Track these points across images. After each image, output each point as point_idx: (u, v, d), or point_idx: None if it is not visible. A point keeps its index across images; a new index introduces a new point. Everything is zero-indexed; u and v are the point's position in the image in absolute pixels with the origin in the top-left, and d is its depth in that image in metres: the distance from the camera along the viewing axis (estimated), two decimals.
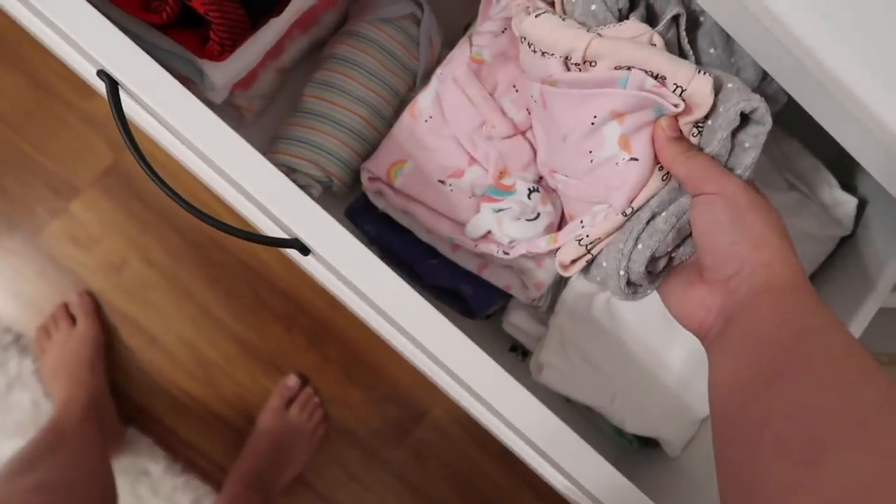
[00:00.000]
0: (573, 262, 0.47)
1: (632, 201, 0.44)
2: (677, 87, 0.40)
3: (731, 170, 0.41)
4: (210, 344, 1.06)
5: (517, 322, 0.61)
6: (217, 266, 1.05)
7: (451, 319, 0.45)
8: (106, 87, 0.41)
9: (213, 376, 1.07)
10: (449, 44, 0.61)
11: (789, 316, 0.36)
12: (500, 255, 0.53)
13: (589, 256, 0.46)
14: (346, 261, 0.42)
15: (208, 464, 1.06)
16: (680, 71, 0.40)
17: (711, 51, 0.46)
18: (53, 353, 1.00)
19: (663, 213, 0.43)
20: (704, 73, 0.39)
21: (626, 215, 0.44)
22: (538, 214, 0.52)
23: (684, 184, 0.42)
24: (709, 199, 0.39)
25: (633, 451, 0.67)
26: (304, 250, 0.45)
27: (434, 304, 0.44)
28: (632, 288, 0.45)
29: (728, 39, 0.46)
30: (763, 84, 0.48)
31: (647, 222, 0.43)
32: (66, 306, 1.02)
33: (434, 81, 0.57)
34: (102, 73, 0.41)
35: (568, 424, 0.46)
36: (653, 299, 0.59)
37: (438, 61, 0.59)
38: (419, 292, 0.44)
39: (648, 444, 0.65)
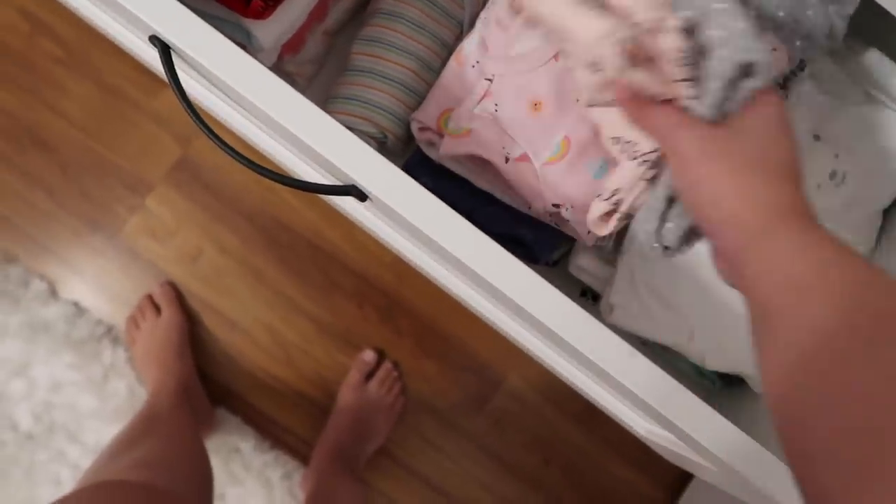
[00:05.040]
0: (603, 218, 0.48)
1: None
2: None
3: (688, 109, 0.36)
4: (287, 325, 1.09)
5: (584, 265, 0.59)
6: (286, 248, 1.08)
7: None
8: (158, 52, 0.42)
9: (292, 356, 1.09)
10: None
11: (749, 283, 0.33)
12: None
13: (618, 213, 0.46)
14: (403, 201, 0.42)
15: (295, 440, 1.09)
16: None
17: None
18: (143, 342, 1.05)
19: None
20: None
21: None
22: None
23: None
24: (668, 164, 0.37)
25: (717, 392, 0.65)
26: (362, 196, 0.45)
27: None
28: (670, 252, 0.44)
29: None
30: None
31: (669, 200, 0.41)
32: (150, 297, 1.07)
33: (478, 25, 0.56)
34: (154, 38, 0.42)
35: None
36: None
37: (483, 6, 0.58)
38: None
39: (732, 383, 0.63)
